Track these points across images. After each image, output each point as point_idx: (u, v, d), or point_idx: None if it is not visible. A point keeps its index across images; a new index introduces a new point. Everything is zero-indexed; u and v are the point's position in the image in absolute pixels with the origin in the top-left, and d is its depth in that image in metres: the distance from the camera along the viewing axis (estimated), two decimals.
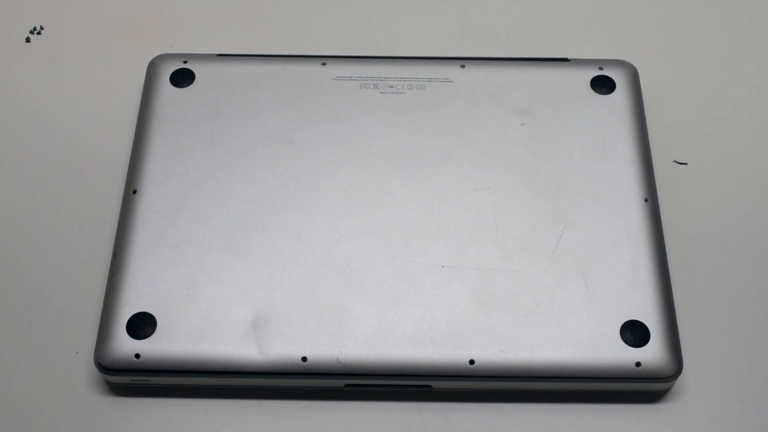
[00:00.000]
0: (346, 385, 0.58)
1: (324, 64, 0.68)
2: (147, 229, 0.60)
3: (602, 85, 0.67)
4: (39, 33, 0.73)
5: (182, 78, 0.67)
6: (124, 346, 0.57)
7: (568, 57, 0.69)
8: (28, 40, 0.73)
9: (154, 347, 0.57)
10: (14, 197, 0.66)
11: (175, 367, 0.56)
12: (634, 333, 0.57)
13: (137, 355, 0.56)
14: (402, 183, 0.63)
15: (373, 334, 0.57)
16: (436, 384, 0.57)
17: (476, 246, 0.60)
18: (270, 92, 0.66)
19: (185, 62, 0.67)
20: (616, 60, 0.68)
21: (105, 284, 0.60)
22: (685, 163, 0.68)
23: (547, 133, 0.65)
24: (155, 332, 0.57)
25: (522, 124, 0.65)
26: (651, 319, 0.58)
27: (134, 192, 0.62)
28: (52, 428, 0.58)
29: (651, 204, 0.62)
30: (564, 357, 0.57)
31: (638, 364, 0.57)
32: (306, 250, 0.60)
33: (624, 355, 0.57)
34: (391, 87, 0.67)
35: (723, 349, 0.60)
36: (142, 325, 0.57)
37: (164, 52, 0.69)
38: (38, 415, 0.58)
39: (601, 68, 0.68)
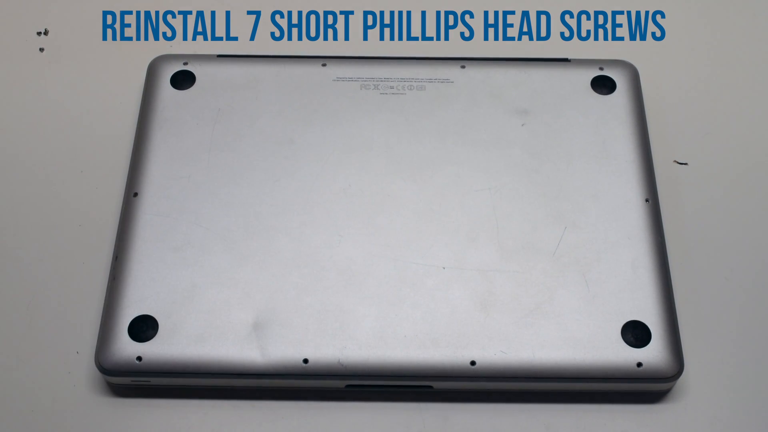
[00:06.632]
0: (347, 386, 0.58)
1: (324, 65, 0.67)
2: (148, 231, 0.60)
3: (602, 85, 0.67)
4: (46, 34, 0.73)
5: (183, 80, 0.66)
6: (126, 349, 0.56)
7: (569, 57, 0.69)
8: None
9: (155, 350, 0.56)
10: (14, 197, 0.66)
11: (176, 370, 0.56)
12: (635, 333, 0.57)
13: (139, 358, 0.56)
14: (402, 184, 0.62)
15: (374, 336, 0.57)
16: (437, 385, 0.57)
17: (477, 247, 0.60)
18: (270, 93, 0.66)
19: (185, 63, 0.67)
20: (616, 60, 0.68)
21: (105, 284, 0.60)
22: (685, 163, 0.68)
23: (548, 134, 0.65)
24: (157, 335, 0.57)
25: (522, 125, 0.65)
26: (652, 319, 0.58)
27: (135, 195, 0.62)
28: (52, 428, 0.58)
29: (651, 204, 0.62)
30: (565, 357, 0.57)
31: (639, 364, 0.57)
32: (307, 252, 0.60)
33: (625, 356, 0.57)
34: (392, 88, 0.67)
35: (724, 350, 0.60)
36: (143, 327, 0.57)
37: (164, 53, 0.69)
38: (38, 415, 0.58)
39: (601, 68, 0.68)
